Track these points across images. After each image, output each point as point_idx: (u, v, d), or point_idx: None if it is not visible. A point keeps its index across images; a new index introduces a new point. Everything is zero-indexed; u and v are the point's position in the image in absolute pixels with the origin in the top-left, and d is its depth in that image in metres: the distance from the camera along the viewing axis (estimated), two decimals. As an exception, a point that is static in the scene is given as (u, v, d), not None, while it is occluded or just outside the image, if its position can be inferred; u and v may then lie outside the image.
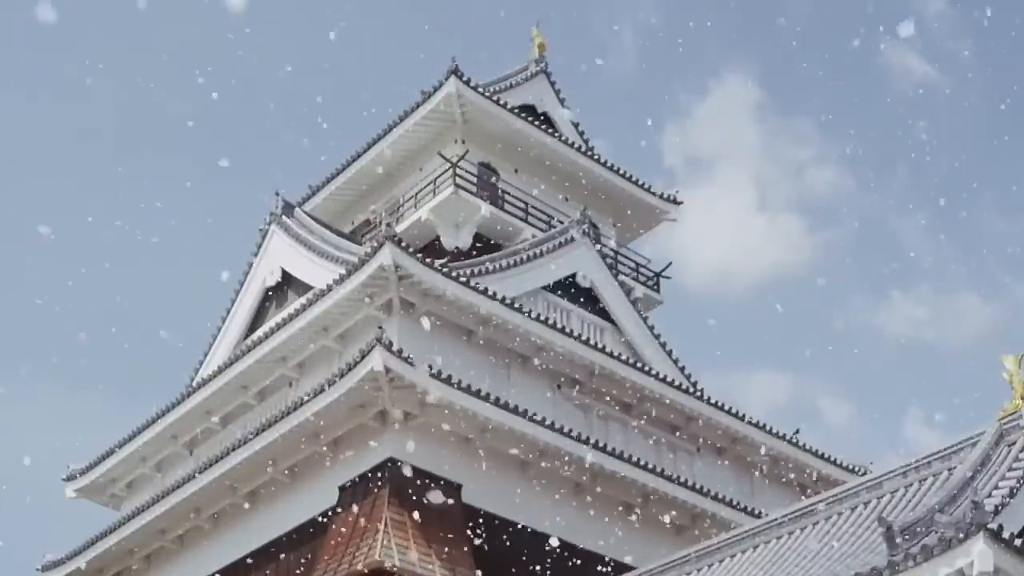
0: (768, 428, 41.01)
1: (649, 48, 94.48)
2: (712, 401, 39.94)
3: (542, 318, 36.90)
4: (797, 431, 42.40)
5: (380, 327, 33.10)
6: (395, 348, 32.53)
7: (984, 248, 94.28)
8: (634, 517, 37.24)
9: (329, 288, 35.83)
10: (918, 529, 20.84)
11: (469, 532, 33.64)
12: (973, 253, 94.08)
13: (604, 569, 36.04)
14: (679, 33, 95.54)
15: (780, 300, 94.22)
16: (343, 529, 33.01)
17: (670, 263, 49.05)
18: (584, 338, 37.75)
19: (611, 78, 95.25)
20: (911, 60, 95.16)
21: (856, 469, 42.51)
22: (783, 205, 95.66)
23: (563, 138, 46.43)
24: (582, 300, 42.09)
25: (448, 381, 33.07)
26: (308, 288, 40.93)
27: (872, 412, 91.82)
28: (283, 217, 43.83)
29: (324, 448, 35.00)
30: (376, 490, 33.17)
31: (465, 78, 44.02)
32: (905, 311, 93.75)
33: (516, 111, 45.34)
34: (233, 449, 35.70)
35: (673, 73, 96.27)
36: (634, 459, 36.02)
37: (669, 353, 43.02)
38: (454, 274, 35.42)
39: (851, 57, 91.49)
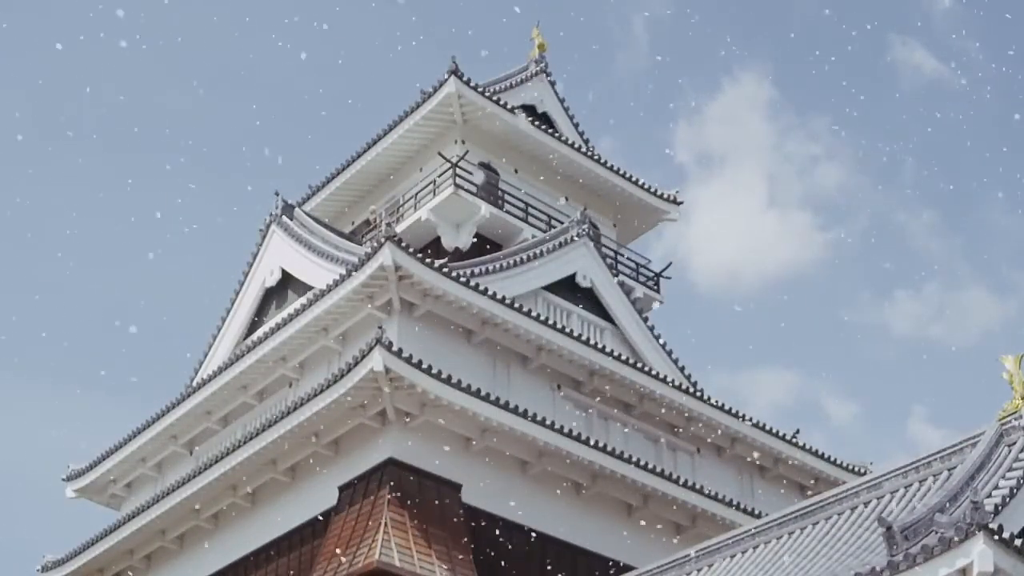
0: (768, 428, 41.00)
1: (660, 46, 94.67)
2: (712, 401, 39.94)
3: (542, 318, 36.90)
4: (797, 431, 42.41)
5: (380, 327, 33.10)
6: (395, 348, 32.53)
7: (992, 245, 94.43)
8: (634, 517, 37.25)
9: (329, 288, 35.83)
10: (918, 529, 20.84)
11: (469, 532, 33.65)
12: (981, 250, 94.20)
13: (604, 569, 36.06)
14: (690, 31, 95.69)
15: (789, 298, 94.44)
16: (343, 529, 33.01)
17: (670, 263, 49.14)
18: (584, 338, 37.75)
19: (623, 76, 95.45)
20: (921, 58, 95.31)
21: (856, 469, 42.51)
22: (793, 202, 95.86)
23: (563, 138, 46.43)
24: (582, 300, 42.09)
25: (448, 381, 33.07)
26: (308, 288, 40.95)
27: (877, 411, 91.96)
28: (283, 217, 43.83)
29: (324, 448, 35.00)
30: (376, 490, 33.16)
31: (465, 78, 44.03)
32: (912, 309, 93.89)
33: (516, 111, 45.33)
34: (233, 449, 35.70)
35: (684, 71, 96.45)
36: (634, 459, 36.02)
37: (669, 353, 43.03)
38: (454, 274, 35.42)
39: (861, 55, 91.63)
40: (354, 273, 35.15)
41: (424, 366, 32.79)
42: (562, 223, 44.27)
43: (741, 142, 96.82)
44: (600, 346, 37.93)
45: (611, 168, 47.45)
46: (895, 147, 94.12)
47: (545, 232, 43.71)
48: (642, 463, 36.14)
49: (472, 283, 35.72)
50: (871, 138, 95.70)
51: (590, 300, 42.39)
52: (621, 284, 43.31)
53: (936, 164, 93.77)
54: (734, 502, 38.04)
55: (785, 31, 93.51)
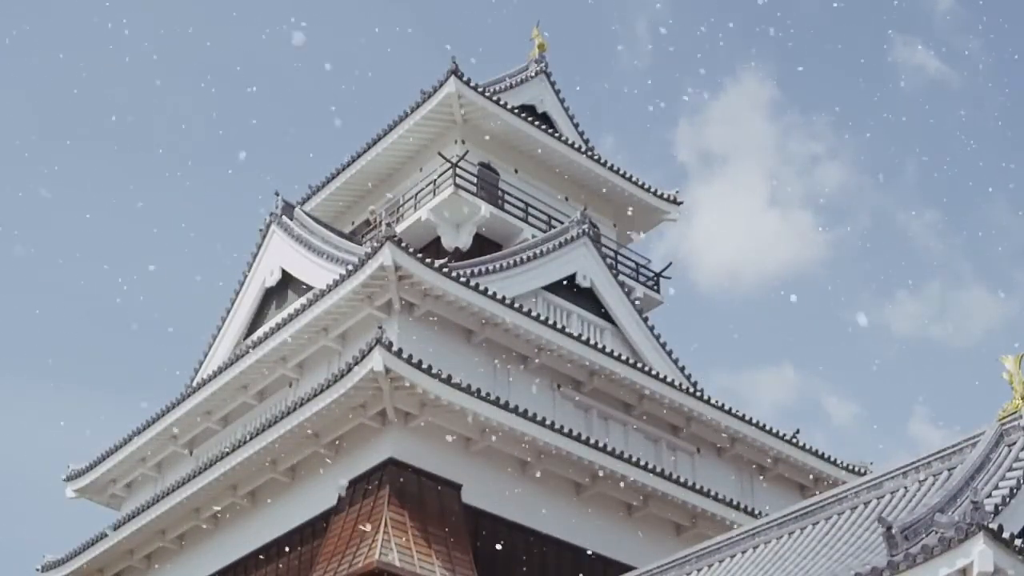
0: (768, 428, 41.01)
1: (662, 45, 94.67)
2: (712, 401, 39.94)
3: (542, 318, 36.90)
4: (797, 431, 42.43)
5: (380, 327, 33.10)
6: (395, 348, 32.53)
7: (994, 245, 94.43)
8: (634, 517, 37.25)
9: (329, 288, 35.83)
10: (918, 529, 20.85)
11: (469, 532, 33.65)
12: (983, 250, 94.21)
13: (604, 569, 36.06)
14: (691, 30, 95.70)
15: (790, 297, 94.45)
16: (343, 529, 33.01)
17: (670, 263, 49.13)
18: (584, 338, 37.75)
19: (624, 75, 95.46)
20: (923, 57, 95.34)
21: (856, 469, 42.51)
22: (795, 202, 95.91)
23: (563, 138, 46.43)
24: (582, 300, 42.09)
25: (448, 381, 33.06)
26: (308, 288, 40.94)
27: (878, 411, 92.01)
28: (283, 217, 43.83)
29: (324, 448, 35.00)
30: (376, 490, 33.16)
31: (465, 78, 44.03)
32: (914, 308, 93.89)
33: (516, 111, 45.34)
34: (233, 449, 35.69)
35: (686, 70, 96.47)
36: (634, 459, 36.02)
37: (669, 353, 43.02)
38: (454, 274, 35.42)
39: (864, 54, 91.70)
40: (354, 273, 35.15)
41: (424, 366, 32.78)
42: (562, 223, 44.26)
43: (743, 141, 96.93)
44: (600, 346, 37.93)
45: (611, 168, 47.45)
46: (897, 146, 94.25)
47: (545, 232, 43.70)
48: (642, 463, 36.14)
49: (472, 283, 35.71)
50: (873, 137, 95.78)
51: (590, 300, 42.39)
52: (621, 284, 43.30)
53: (938, 163, 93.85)
54: (734, 502, 38.04)
55: (787, 30, 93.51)
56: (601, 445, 35.49)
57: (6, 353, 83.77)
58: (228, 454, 35.84)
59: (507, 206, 44.79)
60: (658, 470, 36.53)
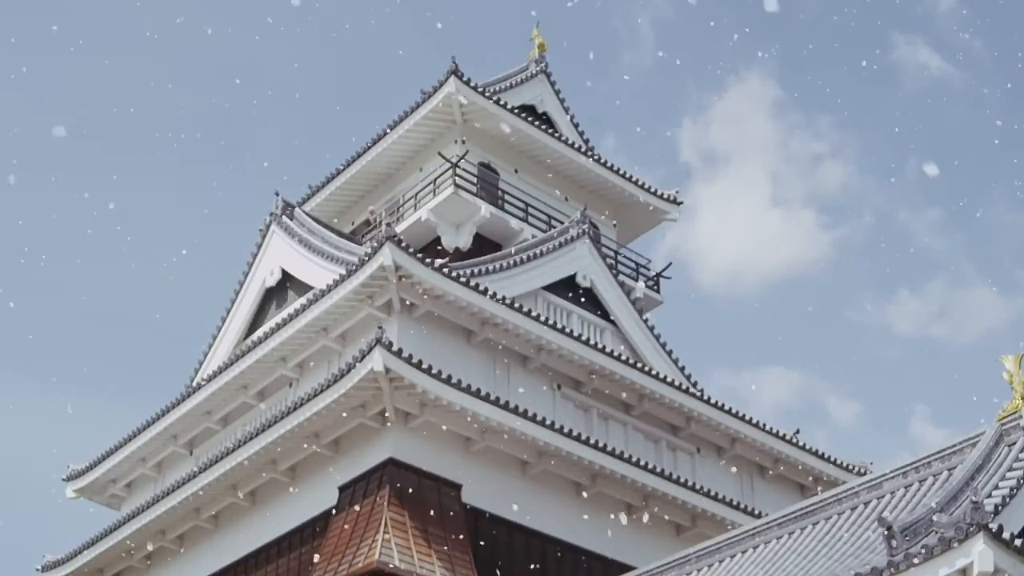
0: (768, 428, 41.02)
1: (664, 45, 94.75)
2: (712, 401, 39.94)
3: (542, 318, 36.89)
4: (797, 431, 42.44)
5: (380, 327, 33.10)
6: (395, 348, 32.53)
7: (997, 244, 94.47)
8: (634, 517, 37.25)
9: (329, 288, 35.83)
10: (918, 529, 20.85)
11: (469, 532, 33.65)
12: (985, 249, 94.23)
13: (604, 569, 36.06)
14: (694, 30, 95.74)
15: (792, 297, 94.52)
16: (343, 529, 33.01)
17: (670, 263, 49.14)
18: (584, 338, 37.74)
19: (627, 75, 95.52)
20: (925, 56, 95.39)
21: (856, 469, 42.53)
22: (797, 201, 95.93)
23: (563, 138, 46.42)
24: (582, 300, 42.09)
25: (448, 381, 33.06)
26: (308, 288, 40.95)
27: (879, 410, 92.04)
28: (283, 217, 43.83)
29: (324, 448, 35.00)
30: (376, 490, 33.17)
31: (465, 78, 44.03)
32: (915, 308, 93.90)
33: (516, 111, 45.34)
34: (233, 449, 35.69)
35: (688, 70, 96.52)
36: (634, 459, 36.02)
37: (669, 353, 43.03)
38: (454, 274, 35.42)
39: (866, 53, 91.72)
40: (354, 273, 35.15)
41: (424, 366, 32.79)
42: (562, 223, 44.27)
43: (746, 141, 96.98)
44: (600, 346, 37.92)
45: (611, 168, 47.45)
46: (899, 145, 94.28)
47: (545, 232, 43.70)
48: (642, 463, 36.14)
49: (472, 283, 35.71)
50: (875, 136, 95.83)
51: (590, 300, 42.39)
52: (621, 284, 43.30)
53: (940, 162, 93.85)
54: (734, 502, 38.04)
55: (790, 30, 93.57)
56: (601, 445, 35.48)
57: (6, 353, 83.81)
58: (228, 454, 35.84)
59: (507, 206, 44.80)
60: (658, 470, 36.52)
